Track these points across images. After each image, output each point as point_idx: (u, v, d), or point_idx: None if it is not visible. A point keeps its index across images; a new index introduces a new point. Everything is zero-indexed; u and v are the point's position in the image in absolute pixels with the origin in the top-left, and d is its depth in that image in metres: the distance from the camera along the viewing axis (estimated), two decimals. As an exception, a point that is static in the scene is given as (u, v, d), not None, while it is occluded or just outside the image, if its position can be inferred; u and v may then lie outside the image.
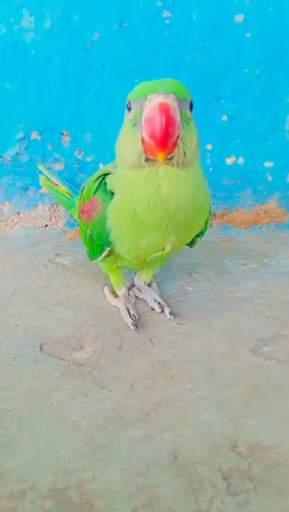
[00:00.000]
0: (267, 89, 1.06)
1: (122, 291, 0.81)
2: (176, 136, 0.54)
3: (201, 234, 0.75)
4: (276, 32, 1.03)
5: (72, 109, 1.09)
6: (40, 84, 1.07)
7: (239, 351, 0.68)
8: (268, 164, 1.11)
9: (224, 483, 0.45)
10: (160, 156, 0.53)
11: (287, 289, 0.88)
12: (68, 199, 1.03)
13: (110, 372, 0.63)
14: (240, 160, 1.11)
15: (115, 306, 0.79)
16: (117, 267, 0.79)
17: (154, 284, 0.86)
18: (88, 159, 1.12)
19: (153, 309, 0.79)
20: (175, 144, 0.55)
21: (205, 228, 0.74)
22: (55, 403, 0.56)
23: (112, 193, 0.66)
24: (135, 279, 0.85)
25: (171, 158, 0.56)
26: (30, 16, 1.03)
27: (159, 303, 0.79)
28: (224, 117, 1.08)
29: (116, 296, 0.82)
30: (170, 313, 0.76)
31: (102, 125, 1.09)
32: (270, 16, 1.02)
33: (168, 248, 0.66)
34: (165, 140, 0.52)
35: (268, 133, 1.09)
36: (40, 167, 1.10)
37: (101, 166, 1.12)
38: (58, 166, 1.13)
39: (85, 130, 1.10)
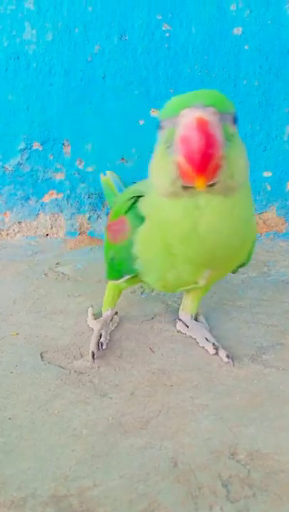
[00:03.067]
0: (265, 100, 1.08)
1: (106, 314, 0.75)
2: (218, 157, 0.44)
3: (243, 265, 0.66)
4: (274, 44, 1.05)
5: (73, 120, 1.11)
6: (41, 96, 1.09)
7: (239, 359, 0.68)
8: (267, 174, 1.12)
9: (224, 490, 0.45)
10: (199, 184, 0.44)
11: (287, 297, 0.88)
12: (113, 194, 0.92)
13: (110, 381, 0.63)
14: (239, 170, 1.12)
15: (91, 328, 0.75)
16: (121, 288, 0.72)
17: (201, 318, 0.77)
18: (89, 169, 1.14)
19: (153, 318, 0.80)
20: (217, 167, 0.45)
21: (248, 260, 0.64)
22: (56, 411, 0.56)
23: (143, 218, 0.58)
24: (180, 313, 0.77)
25: (214, 184, 0.46)
26: (32, 28, 1.05)
27: (213, 343, 0.69)
28: (223, 128, 1.10)
29: (96, 317, 0.77)
30: (227, 356, 0.66)
31: (103, 136, 1.11)
32: (268, 28, 1.04)
33: (201, 282, 0.58)
34: (205, 163, 0.43)
35: (266, 143, 1.10)
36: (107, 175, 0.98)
37: (101, 176, 1.14)
38: (59, 176, 1.14)
39: (86, 140, 1.12)
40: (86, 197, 1.15)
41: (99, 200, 1.15)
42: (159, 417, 0.56)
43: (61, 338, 0.74)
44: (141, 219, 0.58)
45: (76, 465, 0.48)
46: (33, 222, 1.17)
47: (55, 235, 1.17)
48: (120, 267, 0.63)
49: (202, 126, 0.43)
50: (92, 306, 0.82)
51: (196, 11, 1.03)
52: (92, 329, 0.74)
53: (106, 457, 0.49)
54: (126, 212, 0.62)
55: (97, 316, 0.78)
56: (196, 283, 0.58)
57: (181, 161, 0.45)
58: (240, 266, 0.65)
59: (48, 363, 0.67)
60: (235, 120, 0.48)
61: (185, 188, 0.47)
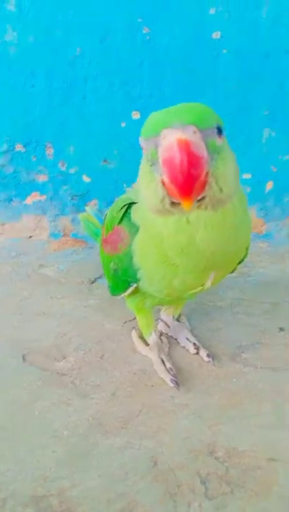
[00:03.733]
0: (244, 103, 1.09)
1: (153, 338, 0.70)
2: (203, 175, 0.43)
3: (241, 261, 0.65)
4: (252, 48, 1.06)
5: (55, 122, 1.11)
6: (23, 98, 1.09)
7: (219, 359, 0.69)
8: (246, 176, 1.14)
9: (202, 487, 0.46)
10: (186, 205, 0.43)
11: (266, 297, 0.90)
12: (97, 229, 0.90)
13: (92, 381, 0.64)
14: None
15: (146, 356, 0.69)
16: (147, 307, 0.67)
17: (183, 319, 0.78)
18: (72, 171, 1.14)
19: (136, 319, 0.80)
20: (204, 184, 0.44)
21: (246, 254, 0.64)
22: (37, 412, 0.57)
23: (138, 227, 0.57)
24: (162, 313, 0.77)
25: (203, 199, 0.46)
26: (14, 30, 1.05)
27: (194, 343, 0.71)
28: (204, 130, 1.11)
29: (146, 343, 0.71)
30: (208, 355, 0.68)
31: (85, 138, 1.11)
32: (246, 32, 1.06)
33: (208, 284, 0.57)
34: (189, 184, 0.42)
35: (246, 146, 1.12)
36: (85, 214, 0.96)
37: (84, 177, 1.14)
38: (42, 178, 1.14)
39: (69, 142, 1.12)
40: (69, 198, 1.15)
41: (82, 201, 1.15)
42: (140, 417, 0.56)
43: (43, 339, 0.74)
44: (135, 228, 0.57)
45: (56, 466, 0.48)
46: (17, 224, 1.16)
47: (39, 237, 1.17)
48: (125, 276, 0.61)
49: (183, 148, 0.41)
50: (134, 329, 0.75)
51: (176, 15, 1.04)
52: (148, 357, 0.69)
53: (86, 457, 0.50)
54: (120, 221, 0.61)
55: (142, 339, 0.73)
56: (202, 285, 0.57)
57: (166, 182, 0.44)
58: (239, 262, 0.64)
59: (30, 364, 0.68)
60: (221, 131, 0.46)
61: (174, 204, 0.46)
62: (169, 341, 0.73)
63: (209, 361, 0.67)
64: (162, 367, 0.65)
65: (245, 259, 0.65)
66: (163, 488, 0.46)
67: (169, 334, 0.75)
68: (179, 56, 1.07)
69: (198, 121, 0.43)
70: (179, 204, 0.45)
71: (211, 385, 0.63)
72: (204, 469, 0.48)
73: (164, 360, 0.66)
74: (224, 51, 1.07)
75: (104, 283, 0.93)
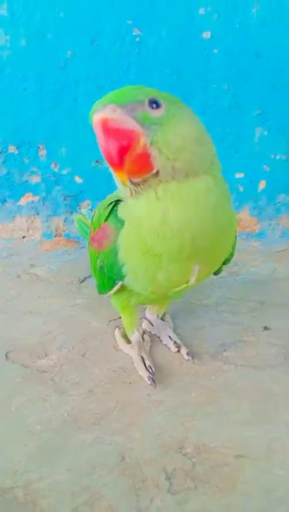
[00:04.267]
0: (235, 103, 1.10)
1: (135, 336, 0.70)
2: (135, 147, 0.45)
3: (227, 261, 0.64)
4: (242, 48, 1.07)
5: (47, 124, 1.12)
6: (16, 101, 1.10)
7: (199, 357, 0.69)
8: (239, 175, 1.14)
9: (167, 482, 0.46)
10: (122, 179, 0.46)
11: (253, 296, 0.90)
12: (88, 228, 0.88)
13: (71, 379, 0.64)
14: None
15: (127, 354, 0.70)
16: (132, 305, 0.68)
17: (167, 317, 0.78)
18: (64, 172, 1.15)
19: (120, 317, 0.81)
20: (147, 157, 0.46)
21: (232, 254, 0.63)
22: (13, 408, 0.58)
23: (123, 222, 0.57)
24: (146, 312, 0.78)
25: (158, 172, 0.47)
26: (6, 34, 1.07)
27: (174, 342, 0.71)
28: (195, 130, 1.12)
29: (128, 341, 0.72)
30: (188, 353, 0.68)
31: (77, 139, 1.13)
32: (236, 32, 1.06)
33: (192, 280, 0.56)
34: (115, 156, 0.44)
35: (237, 145, 1.12)
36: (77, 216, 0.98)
37: (76, 178, 1.15)
38: (35, 179, 1.16)
39: (61, 144, 1.13)
40: (62, 199, 1.17)
41: (74, 202, 1.16)
42: (114, 413, 0.57)
43: (28, 337, 0.75)
44: (121, 223, 0.58)
45: (26, 460, 0.49)
46: (10, 225, 1.18)
47: (32, 237, 1.18)
48: (110, 273, 0.62)
49: (100, 125, 0.45)
50: (118, 328, 0.76)
51: (165, 16, 1.05)
52: (129, 355, 0.69)
53: (56, 452, 0.50)
54: (106, 219, 0.61)
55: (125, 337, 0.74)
56: (186, 282, 0.56)
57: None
58: (226, 262, 0.64)
59: (12, 362, 0.69)
60: (156, 103, 0.47)
61: (136, 183, 0.48)
62: (151, 340, 0.74)
63: (189, 359, 0.68)
64: (142, 364, 0.65)
65: (231, 259, 0.64)
66: (128, 483, 0.46)
67: (152, 332, 0.76)
68: (169, 56, 1.08)
69: (118, 99, 0.46)
70: (141, 182, 0.47)
71: (188, 382, 0.63)
72: (171, 465, 0.48)
73: (144, 358, 0.67)
74: (215, 51, 1.08)
75: (94, 282, 0.94)
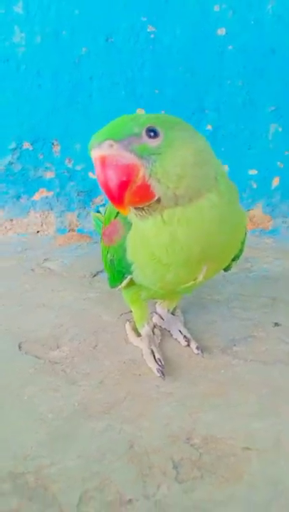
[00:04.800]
0: (249, 100, 1.09)
1: (145, 330, 0.71)
2: (135, 181, 0.46)
3: (236, 257, 0.65)
4: (257, 45, 1.07)
5: (62, 121, 1.14)
6: (31, 97, 1.12)
7: (209, 351, 0.70)
8: (252, 172, 1.14)
9: (174, 471, 0.47)
10: (122, 212, 0.48)
11: (264, 292, 0.90)
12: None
13: (82, 370, 0.65)
14: (225, 168, 1.14)
15: (137, 347, 0.71)
16: (142, 299, 0.69)
17: (178, 312, 0.79)
18: (78, 168, 1.16)
19: (132, 311, 0.82)
20: (148, 188, 0.47)
21: (241, 250, 0.64)
22: (26, 397, 0.59)
23: (131, 223, 0.58)
24: (157, 306, 0.79)
25: (159, 199, 0.48)
26: (21, 32, 1.08)
27: (184, 336, 0.72)
28: (209, 127, 1.12)
29: (139, 334, 0.73)
30: (197, 347, 0.69)
31: (91, 135, 1.13)
32: (251, 29, 1.06)
33: (200, 278, 0.57)
34: (116, 194, 0.45)
35: (251, 142, 1.12)
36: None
37: (90, 174, 1.17)
38: (49, 175, 1.17)
39: (75, 140, 1.15)
40: (75, 195, 1.18)
41: (88, 197, 1.18)
42: (124, 403, 0.58)
43: (40, 330, 0.77)
44: (130, 223, 0.59)
45: (37, 446, 0.50)
46: (24, 220, 1.20)
47: (46, 232, 1.20)
48: (120, 267, 0.63)
49: (99, 164, 0.45)
50: (128, 321, 0.77)
51: (180, 13, 1.05)
52: (139, 347, 0.70)
53: (67, 439, 0.51)
54: (115, 216, 0.63)
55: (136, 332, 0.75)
56: (195, 279, 0.58)
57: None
58: (235, 259, 0.65)
59: (25, 353, 0.70)
60: (154, 132, 0.47)
61: (139, 209, 0.49)
62: (161, 333, 0.75)
63: (198, 353, 0.68)
64: (151, 357, 0.66)
65: (240, 255, 0.65)
66: (136, 470, 0.47)
67: (163, 326, 0.77)
68: (184, 53, 1.08)
69: (113, 134, 0.45)
70: (142, 208, 0.49)
71: (197, 375, 0.64)
72: (178, 454, 0.49)
73: (154, 350, 0.68)
74: (230, 47, 1.08)
75: (105, 276, 0.95)
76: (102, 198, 1.18)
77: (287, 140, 1.11)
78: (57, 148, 1.15)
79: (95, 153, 0.46)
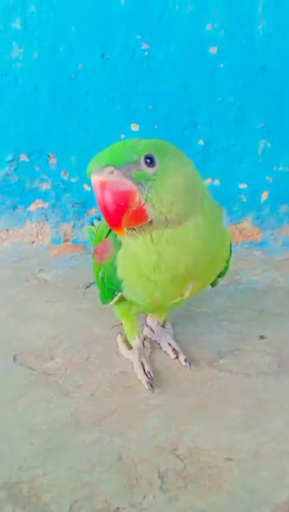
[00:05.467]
0: (240, 116, 1.13)
1: (136, 342, 0.74)
2: (133, 205, 0.49)
3: (222, 274, 0.68)
4: (248, 63, 1.10)
5: (58, 134, 1.16)
6: (28, 111, 1.15)
7: (197, 364, 0.73)
8: (243, 186, 1.17)
9: (159, 481, 0.50)
10: (119, 234, 0.51)
11: (253, 304, 0.93)
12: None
13: (75, 382, 0.68)
14: (216, 182, 1.18)
15: (128, 359, 0.73)
16: (132, 313, 0.72)
17: (168, 325, 0.82)
18: (73, 180, 1.19)
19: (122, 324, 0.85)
20: (142, 212, 0.50)
21: (226, 268, 0.67)
22: (20, 408, 0.62)
23: (120, 243, 0.61)
24: (148, 319, 0.82)
25: (151, 221, 0.51)
26: (19, 47, 1.11)
27: (173, 348, 0.75)
28: (200, 142, 1.15)
29: (129, 347, 0.76)
30: (185, 360, 0.72)
31: (86, 148, 1.16)
32: (242, 47, 1.09)
33: (187, 294, 0.61)
34: (114, 218, 0.48)
35: (242, 156, 1.15)
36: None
37: (85, 186, 1.20)
38: (45, 186, 1.20)
39: (70, 153, 1.18)
40: (70, 206, 1.21)
41: (82, 209, 1.21)
42: (114, 415, 0.61)
43: (35, 341, 0.80)
44: (119, 243, 0.61)
45: (31, 457, 0.53)
46: (20, 230, 1.23)
47: (41, 242, 1.23)
48: (110, 284, 0.65)
49: (99, 189, 0.48)
50: (120, 334, 0.80)
51: (173, 31, 1.08)
52: (130, 360, 0.73)
53: (59, 450, 0.54)
54: (106, 236, 0.66)
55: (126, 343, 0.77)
56: (182, 295, 0.61)
57: None
58: (219, 276, 0.68)
59: (20, 364, 0.73)
60: (152, 160, 0.50)
61: (130, 228, 0.51)
62: (151, 346, 0.78)
63: (186, 366, 0.71)
64: (141, 370, 0.69)
65: (226, 272, 0.68)
66: (124, 480, 0.50)
67: (153, 338, 0.79)
68: (177, 70, 1.11)
69: (114, 161, 0.48)
70: (133, 228, 0.51)
71: (185, 387, 0.67)
72: (164, 465, 0.52)
73: (144, 363, 0.70)
74: (221, 65, 1.11)
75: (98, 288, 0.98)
76: (96, 209, 1.21)
77: (276, 155, 1.15)
78: (53, 161, 1.18)
79: (95, 178, 0.48)
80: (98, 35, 1.10)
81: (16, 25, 1.10)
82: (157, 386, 0.67)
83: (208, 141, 1.15)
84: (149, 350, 0.76)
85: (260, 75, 1.10)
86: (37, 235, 1.22)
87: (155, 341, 0.79)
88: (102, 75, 1.12)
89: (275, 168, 1.16)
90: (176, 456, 0.54)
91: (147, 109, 1.13)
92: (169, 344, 0.76)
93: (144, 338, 0.79)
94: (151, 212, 0.50)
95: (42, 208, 1.21)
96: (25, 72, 1.12)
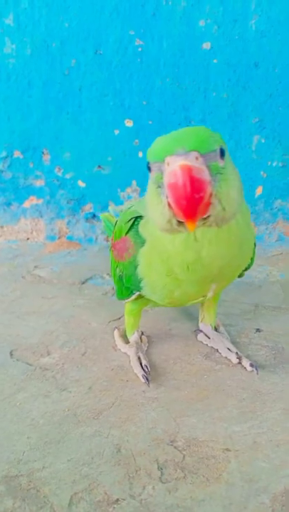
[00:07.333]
0: (234, 111, 1.13)
1: (134, 337, 0.74)
2: (206, 197, 0.46)
3: (247, 269, 0.68)
4: (241, 58, 1.10)
5: (52, 130, 1.16)
6: (21, 107, 1.14)
7: (193, 357, 0.73)
8: (237, 181, 1.18)
9: (158, 472, 0.50)
10: (190, 227, 0.46)
11: (247, 298, 0.94)
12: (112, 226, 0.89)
13: (72, 376, 0.68)
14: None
15: (125, 353, 0.73)
16: (140, 309, 0.72)
17: (222, 328, 0.78)
18: (67, 176, 1.19)
19: (120, 318, 0.85)
20: (208, 206, 0.47)
21: (251, 263, 0.67)
22: (18, 403, 0.62)
23: (144, 240, 0.59)
24: (200, 324, 0.78)
25: (207, 217, 0.49)
26: (12, 43, 1.11)
27: (236, 353, 0.70)
28: (194, 137, 1.15)
29: (127, 341, 0.75)
30: (251, 365, 0.67)
31: (80, 144, 1.17)
32: (236, 43, 1.10)
33: (210, 295, 0.61)
34: (193, 208, 0.45)
35: (235, 152, 1.16)
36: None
37: (79, 182, 1.19)
38: (39, 183, 1.20)
39: (64, 149, 1.17)
40: (65, 202, 1.21)
41: (77, 205, 1.20)
42: (111, 409, 0.61)
43: (31, 336, 0.80)
44: (142, 240, 0.59)
45: (29, 450, 0.53)
46: (15, 227, 1.22)
47: (36, 239, 1.22)
48: (128, 283, 0.64)
49: (186, 174, 0.44)
50: (117, 328, 0.80)
51: (167, 27, 1.08)
52: (127, 354, 0.73)
53: (58, 444, 0.54)
54: (127, 233, 0.63)
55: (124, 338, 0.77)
56: (204, 296, 0.60)
57: (172, 204, 0.47)
58: (246, 269, 0.68)
59: (17, 360, 0.73)
60: (223, 153, 0.48)
61: (180, 223, 0.48)
62: (148, 340, 0.78)
63: (253, 370, 0.67)
64: (138, 364, 0.69)
65: (251, 266, 0.69)
66: (123, 472, 0.50)
67: (209, 345, 0.75)
68: (170, 66, 1.12)
69: (200, 147, 0.45)
70: (181, 223, 0.48)
71: (182, 380, 0.67)
72: (163, 456, 0.53)
73: (141, 357, 0.70)
74: (214, 61, 1.11)
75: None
76: (90, 205, 1.21)
77: (270, 151, 1.15)
78: (47, 157, 1.18)
79: (179, 161, 0.44)
80: (91, 31, 1.10)
81: (9, 21, 1.09)
82: (154, 379, 0.67)
83: (202, 137, 1.15)
84: (146, 345, 0.76)
85: (253, 71, 1.11)
86: (32, 232, 1.22)
87: (212, 347, 0.75)
88: (96, 71, 1.12)
89: (269, 164, 1.16)
90: (175, 447, 0.54)
91: (141, 104, 1.14)
92: (229, 349, 0.72)
93: (142, 333, 0.78)
94: (214, 207, 0.48)
95: (36, 205, 1.21)
96: (18, 68, 1.12)
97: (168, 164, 0.46)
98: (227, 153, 0.50)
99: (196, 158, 0.45)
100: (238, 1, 1.06)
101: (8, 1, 1.08)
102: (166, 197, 0.47)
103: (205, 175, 0.45)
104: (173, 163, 0.45)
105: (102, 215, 0.97)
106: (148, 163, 0.50)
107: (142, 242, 0.59)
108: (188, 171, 0.44)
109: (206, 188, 0.45)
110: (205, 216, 0.48)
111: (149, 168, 0.51)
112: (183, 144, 0.45)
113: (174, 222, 0.49)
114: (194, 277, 0.55)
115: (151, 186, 0.52)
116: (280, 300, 0.93)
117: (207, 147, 0.46)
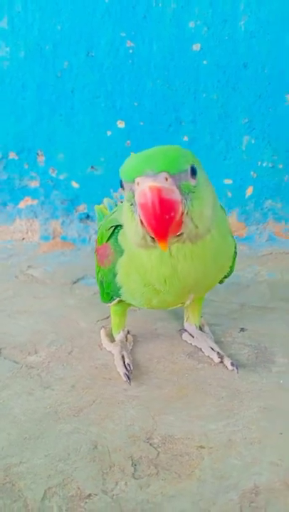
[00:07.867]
0: (224, 112, 1.14)
1: (119, 336, 0.75)
2: (178, 217, 0.47)
3: (226, 277, 0.69)
4: (231, 59, 1.11)
5: (46, 132, 1.18)
6: (15, 109, 1.16)
7: (177, 356, 0.75)
8: (227, 181, 1.19)
9: (132, 468, 0.52)
10: (162, 246, 0.47)
11: (236, 298, 0.95)
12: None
13: (56, 374, 0.70)
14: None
15: (110, 352, 0.75)
16: (125, 310, 0.74)
17: (206, 328, 0.79)
18: (61, 177, 1.21)
19: (107, 318, 0.87)
20: (180, 224, 0.48)
21: (231, 271, 0.68)
22: (2, 400, 0.64)
23: (123, 250, 0.60)
24: (185, 324, 0.79)
25: (180, 235, 0.50)
26: (6, 46, 1.12)
27: (218, 352, 0.71)
28: (185, 138, 1.16)
29: (112, 340, 0.77)
30: (232, 364, 0.68)
31: (73, 145, 1.18)
32: (225, 44, 1.10)
33: (188, 303, 0.62)
34: (164, 228, 0.46)
35: (226, 153, 1.17)
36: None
37: (73, 183, 1.21)
38: (34, 184, 1.22)
39: (58, 150, 1.19)
40: (59, 203, 1.22)
41: (71, 205, 1.22)
42: (92, 406, 0.63)
43: (20, 335, 0.81)
44: (121, 250, 0.60)
45: (8, 446, 0.55)
46: (10, 227, 1.24)
47: (31, 239, 1.24)
48: (108, 289, 0.66)
49: (155, 195, 0.44)
50: (104, 327, 0.81)
51: (157, 29, 1.09)
52: (111, 352, 0.74)
53: (36, 440, 0.56)
54: (108, 240, 0.65)
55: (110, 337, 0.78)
56: (182, 303, 0.62)
57: (144, 223, 0.48)
58: (225, 276, 0.69)
59: (4, 358, 0.75)
60: (194, 171, 0.49)
61: (154, 239, 0.49)
62: (133, 340, 0.79)
63: (233, 370, 0.68)
64: (121, 362, 0.70)
65: (230, 275, 0.71)
66: (97, 468, 0.52)
67: (193, 344, 0.77)
68: (161, 67, 1.13)
69: (170, 168, 0.46)
70: (154, 239, 0.49)
71: (164, 379, 0.69)
72: (138, 453, 0.54)
73: (125, 356, 0.71)
74: (204, 62, 1.12)
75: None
76: (84, 206, 1.23)
77: (260, 151, 1.16)
78: (41, 158, 1.20)
79: (147, 182, 0.45)
80: (83, 34, 1.11)
81: (3, 24, 1.11)
82: (137, 378, 0.68)
83: (192, 138, 1.16)
84: (131, 344, 0.78)
85: (242, 72, 1.11)
86: (26, 232, 1.24)
87: (196, 346, 0.76)
88: (88, 73, 1.14)
89: (259, 164, 1.17)
90: (150, 444, 0.56)
91: (133, 106, 1.15)
92: (212, 348, 0.73)
93: (128, 332, 0.80)
94: (186, 225, 0.49)
95: (31, 206, 1.23)
96: (12, 71, 1.14)
97: (138, 185, 0.46)
98: (200, 171, 0.50)
99: (166, 179, 0.46)
100: (227, 2, 1.07)
101: (2, 4, 1.10)
102: (139, 215, 0.48)
103: (175, 195, 0.46)
104: (142, 183, 0.46)
105: (96, 207, 0.98)
106: (120, 181, 0.51)
107: (121, 252, 0.60)
108: (158, 192, 0.45)
109: (177, 207, 0.46)
110: (178, 234, 0.49)
111: (122, 186, 0.52)
112: (152, 165, 0.46)
113: (148, 239, 0.50)
114: (171, 289, 0.57)
115: (125, 203, 0.53)
116: (266, 300, 0.94)
117: (177, 167, 0.47)
